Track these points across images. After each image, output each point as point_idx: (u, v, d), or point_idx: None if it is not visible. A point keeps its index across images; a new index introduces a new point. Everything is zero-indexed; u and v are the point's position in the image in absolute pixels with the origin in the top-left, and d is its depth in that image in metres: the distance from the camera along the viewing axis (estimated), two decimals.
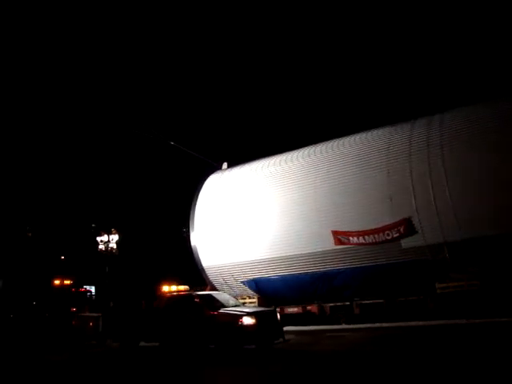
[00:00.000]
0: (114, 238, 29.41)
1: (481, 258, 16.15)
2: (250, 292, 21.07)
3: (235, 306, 14.28)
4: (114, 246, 29.61)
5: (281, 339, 13.43)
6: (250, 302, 20.88)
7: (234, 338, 12.31)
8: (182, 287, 16.24)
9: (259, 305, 20.64)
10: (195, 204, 22.72)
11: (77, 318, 22.42)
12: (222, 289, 21.85)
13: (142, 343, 15.50)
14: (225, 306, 13.71)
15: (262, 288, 20.64)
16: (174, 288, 15.99)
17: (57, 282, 24.88)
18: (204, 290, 21.72)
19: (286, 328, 19.06)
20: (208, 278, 22.19)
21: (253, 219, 20.90)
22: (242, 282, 21.22)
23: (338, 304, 19.17)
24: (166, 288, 16.26)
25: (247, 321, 12.32)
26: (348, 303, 18.90)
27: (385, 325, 17.50)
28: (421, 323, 16.63)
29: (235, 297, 21.31)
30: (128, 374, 11.73)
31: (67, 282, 25.93)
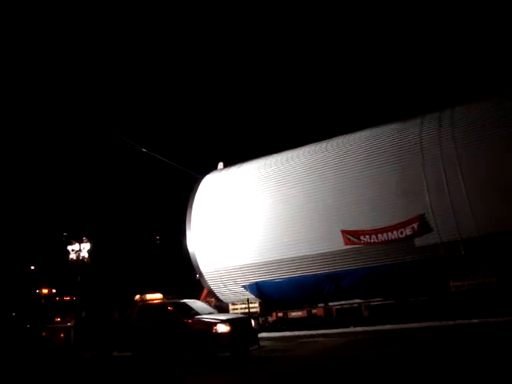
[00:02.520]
0: (86, 246, 28.44)
1: (498, 255, 15.85)
2: (252, 296, 20.09)
3: (210, 313, 14.17)
4: (86, 255, 28.58)
5: (255, 346, 13.52)
6: (252, 307, 19.97)
7: (209, 345, 12.27)
8: (155, 295, 15.72)
9: (260, 310, 19.86)
10: (191, 205, 21.59)
11: (46, 329, 21.38)
12: (221, 294, 20.83)
13: (115, 353, 15.26)
14: (199, 314, 13.53)
15: (265, 291, 19.71)
16: (147, 296, 15.47)
17: (37, 291, 23.39)
18: (199, 297, 20.80)
19: (289, 333, 18.47)
20: (206, 283, 21.06)
21: (255, 220, 20.00)
22: (243, 287, 20.21)
23: (346, 306, 18.51)
24: (138, 297, 15.68)
25: (222, 328, 12.33)
26: (356, 305, 18.26)
27: (393, 326, 16.94)
28: (432, 324, 16.14)
29: (236, 302, 20.49)
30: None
31: (45, 291, 24.45)
